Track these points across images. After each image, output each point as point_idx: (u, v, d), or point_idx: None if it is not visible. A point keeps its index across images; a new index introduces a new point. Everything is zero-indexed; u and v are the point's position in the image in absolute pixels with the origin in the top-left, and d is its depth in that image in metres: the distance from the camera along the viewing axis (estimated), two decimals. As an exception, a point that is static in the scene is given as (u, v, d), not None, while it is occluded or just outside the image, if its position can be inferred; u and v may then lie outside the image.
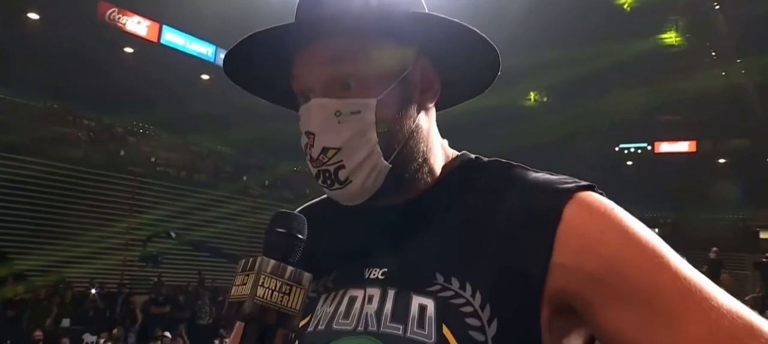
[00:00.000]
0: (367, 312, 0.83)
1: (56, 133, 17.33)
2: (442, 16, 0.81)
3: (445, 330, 0.76)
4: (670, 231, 27.84)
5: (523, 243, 0.77)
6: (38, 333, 10.32)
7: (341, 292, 0.87)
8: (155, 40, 18.42)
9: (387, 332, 0.80)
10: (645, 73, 22.88)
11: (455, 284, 0.78)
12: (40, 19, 17.14)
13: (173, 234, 13.34)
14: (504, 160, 0.90)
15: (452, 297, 0.77)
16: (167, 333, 11.23)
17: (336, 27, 0.81)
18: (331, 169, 0.82)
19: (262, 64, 0.90)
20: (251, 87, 0.98)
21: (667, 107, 25.81)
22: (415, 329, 0.78)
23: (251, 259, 0.77)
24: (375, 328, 0.81)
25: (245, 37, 0.87)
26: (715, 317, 0.69)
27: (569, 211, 0.76)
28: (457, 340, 0.75)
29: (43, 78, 17.16)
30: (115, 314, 12.68)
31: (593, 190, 0.80)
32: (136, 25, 17.88)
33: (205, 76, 21.00)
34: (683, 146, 29.31)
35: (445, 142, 0.94)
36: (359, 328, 0.82)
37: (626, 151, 30.98)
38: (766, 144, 25.02)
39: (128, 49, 19.08)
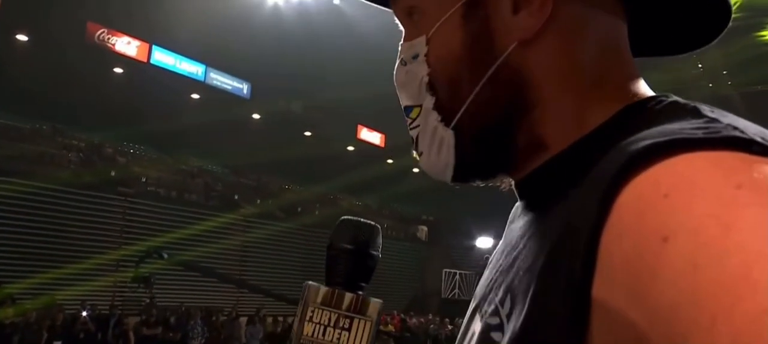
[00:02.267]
0: (460, 336, 0.63)
1: (46, 154, 17.24)
2: None
3: None
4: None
5: (561, 262, 0.43)
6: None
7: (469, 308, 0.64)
8: (145, 60, 18.39)
9: None
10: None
11: (506, 308, 0.51)
12: (29, 40, 17.09)
13: (165, 255, 13.26)
14: (685, 103, 0.49)
15: (495, 327, 0.51)
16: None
17: None
18: (414, 134, 0.61)
19: None
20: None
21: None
22: None
23: (304, 285, 0.60)
24: None
25: None
26: None
27: (628, 194, 0.39)
28: None
29: (32, 99, 17.09)
30: (107, 336, 12.54)
31: (741, 148, 0.38)
32: (126, 45, 17.85)
33: (195, 96, 20.97)
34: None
35: (633, 78, 0.56)
36: None
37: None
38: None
39: (118, 70, 19.04)
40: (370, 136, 24.00)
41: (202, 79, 20.01)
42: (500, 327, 0.50)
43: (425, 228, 27.98)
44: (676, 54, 0.63)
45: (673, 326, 0.32)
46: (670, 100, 0.50)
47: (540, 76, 0.54)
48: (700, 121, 0.42)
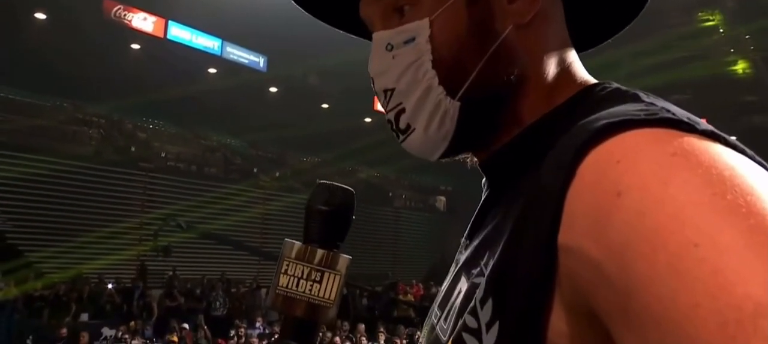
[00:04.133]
0: (442, 292, 0.70)
1: (67, 131, 17.47)
2: None
3: (455, 327, 0.59)
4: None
5: (531, 213, 0.52)
6: (63, 331, 10.48)
7: (451, 270, 0.72)
8: (161, 35, 18.46)
9: (432, 319, 0.69)
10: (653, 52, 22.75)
11: (488, 268, 0.58)
12: (47, 18, 17.23)
13: (183, 225, 13.49)
14: (626, 90, 0.60)
15: (479, 284, 0.58)
16: (186, 325, 11.38)
17: None
18: (393, 115, 0.68)
19: None
20: (326, 17, 0.81)
21: (675, 87, 25.65)
22: (443, 321, 0.65)
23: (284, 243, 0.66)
24: (433, 310, 0.70)
25: None
26: None
27: (591, 159, 0.47)
28: None
29: (51, 77, 17.27)
30: (132, 308, 12.85)
31: (679, 127, 0.47)
32: (142, 21, 17.92)
33: (212, 70, 21.06)
34: (693, 125, 29.17)
35: (580, 70, 0.67)
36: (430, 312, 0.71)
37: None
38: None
39: (135, 46, 19.15)
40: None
41: (219, 53, 20.07)
42: (479, 286, 0.57)
43: (443, 199, 28.02)
44: (592, 47, 0.76)
45: (625, 257, 0.41)
46: (613, 86, 0.62)
47: (528, 57, 0.64)
48: (641, 105, 0.53)
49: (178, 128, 22.14)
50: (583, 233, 0.45)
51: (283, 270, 0.64)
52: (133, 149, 18.53)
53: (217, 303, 13.96)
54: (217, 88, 20.55)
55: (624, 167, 0.45)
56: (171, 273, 14.91)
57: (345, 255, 0.65)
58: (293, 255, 0.64)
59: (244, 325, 12.32)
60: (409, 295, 16.93)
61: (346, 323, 12.93)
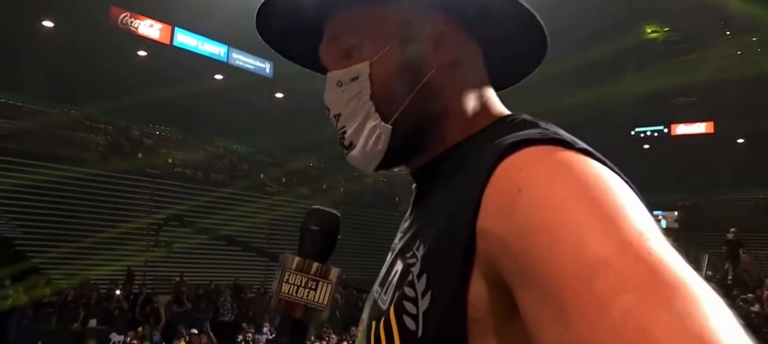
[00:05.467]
0: (381, 275, 0.86)
1: (74, 139, 17.57)
2: None
3: (394, 298, 0.74)
4: (689, 213, 27.65)
5: (458, 205, 0.68)
6: (91, 342, 10.31)
7: (387, 259, 0.89)
8: (168, 42, 18.56)
9: (374, 296, 0.84)
10: (659, 55, 22.70)
11: (420, 251, 0.73)
12: (54, 26, 17.34)
13: (182, 222, 13.52)
14: (533, 120, 0.78)
15: (412, 265, 0.73)
16: (194, 330, 11.40)
17: (331, 3, 0.84)
18: (340, 135, 0.85)
19: (296, 37, 0.93)
20: (291, 58, 1.00)
21: (682, 89, 25.57)
22: (383, 295, 0.79)
23: (282, 256, 0.81)
24: (374, 290, 0.85)
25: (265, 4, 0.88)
26: (616, 316, 0.48)
27: (501, 168, 0.65)
28: (395, 310, 0.72)
29: (58, 84, 17.39)
30: (136, 314, 12.87)
31: (565, 146, 0.66)
32: (149, 28, 18.03)
33: (218, 76, 21.14)
34: (700, 128, 29.01)
35: (497, 104, 0.86)
36: (372, 292, 0.86)
37: (642, 135, 30.75)
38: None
39: (142, 53, 19.25)
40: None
41: (225, 59, 20.15)
42: (414, 264, 0.73)
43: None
44: (513, 84, 0.95)
45: (523, 236, 0.58)
46: (521, 117, 0.80)
47: (448, 93, 0.82)
48: (539, 129, 0.72)
49: (184, 134, 22.22)
50: (494, 219, 0.63)
51: (285, 280, 0.79)
52: (139, 155, 18.60)
53: (225, 307, 13.98)
54: (223, 94, 20.62)
55: (524, 172, 0.63)
56: (178, 278, 14.94)
57: (335, 268, 0.81)
58: (293, 267, 0.79)
59: (252, 330, 12.33)
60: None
61: (353, 327, 12.93)
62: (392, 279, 0.78)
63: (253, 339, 11.82)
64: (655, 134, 30.50)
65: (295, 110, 22.57)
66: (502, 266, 0.61)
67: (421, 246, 0.73)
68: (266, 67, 21.20)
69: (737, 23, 20.59)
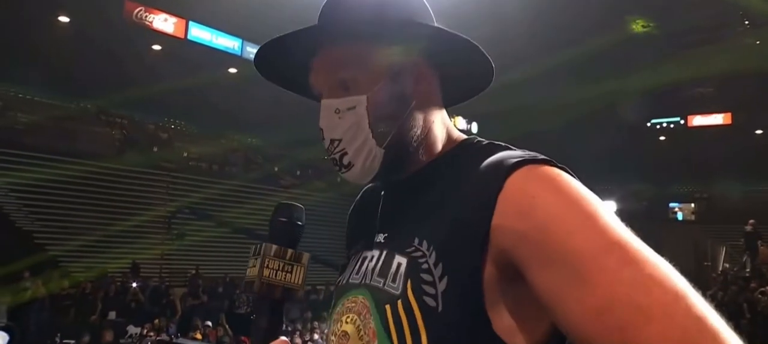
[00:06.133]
0: (367, 268, 0.98)
1: (90, 133, 17.73)
2: (430, 23, 1.00)
3: (408, 284, 0.88)
4: (706, 205, 27.39)
5: (472, 208, 0.85)
6: (108, 335, 10.47)
7: (361, 254, 1.04)
8: (182, 36, 18.60)
9: (372, 284, 0.95)
10: (675, 45, 22.43)
11: (424, 245, 0.89)
12: (70, 21, 17.47)
13: (194, 213, 13.61)
14: (497, 143, 0.98)
15: (420, 257, 0.89)
16: (208, 323, 11.49)
17: (333, 38, 0.96)
18: (337, 156, 0.98)
19: (287, 66, 1.05)
20: (282, 84, 1.14)
21: (699, 80, 25.25)
22: (390, 282, 0.91)
23: (258, 245, 0.93)
24: (368, 281, 0.96)
25: (265, 44, 1.01)
26: (628, 278, 0.71)
27: (511, 180, 0.83)
28: (413, 293, 0.87)
29: (74, 79, 17.52)
30: (156, 306, 12.99)
31: (550, 164, 0.86)
32: (163, 22, 18.08)
33: (232, 70, 21.20)
34: (718, 119, 28.64)
35: (454, 128, 1.06)
36: (363, 282, 0.98)
37: (658, 126, 30.44)
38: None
39: (156, 47, 19.34)
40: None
41: (239, 53, 20.19)
42: (424, 256, 0.88)
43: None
44: (459, 103, 1.12)
45: (545, 227, 0.78)
46: (484, 141, 1.00)
47: (425, 119, 0.99)
48: (520, 151, 0.91)
49: (199, 128, 22.34)
50: (512, 218, 0.81)
51: (265, 265, 0.91)
52: (155, 149, 18.73)
53: (241, 299, 14.04)
54: (237, 87, 20.68)
55: (533, 183, 0.82)
56: (194, 271, 15.05)
57: (306, 253, 0.94)
58: (272, 254, 0.91)
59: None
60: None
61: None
62: (398, 271, 0.91)
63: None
64: (672, 125, 30.18)
65: (309, 103, 22.56)
66: (518, 254, 0.80)
67: (425, 242, 0.89)
68: (280, 60, 21.22)
69: (756, 13, 20.31)
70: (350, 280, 1.02)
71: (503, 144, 0.97)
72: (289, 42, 0.98)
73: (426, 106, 0.99)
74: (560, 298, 0.76)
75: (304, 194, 19.48)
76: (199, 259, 15.92)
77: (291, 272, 0.92)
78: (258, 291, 0.90)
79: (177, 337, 10.79)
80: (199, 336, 10.99)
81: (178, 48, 18.71)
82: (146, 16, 17.67)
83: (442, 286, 0.85)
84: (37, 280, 11.42)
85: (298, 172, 22.47)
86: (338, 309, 1.01)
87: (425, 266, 0.87)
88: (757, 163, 24.02)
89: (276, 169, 21.70)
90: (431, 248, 0.88)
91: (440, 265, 0.86)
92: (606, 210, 0.80)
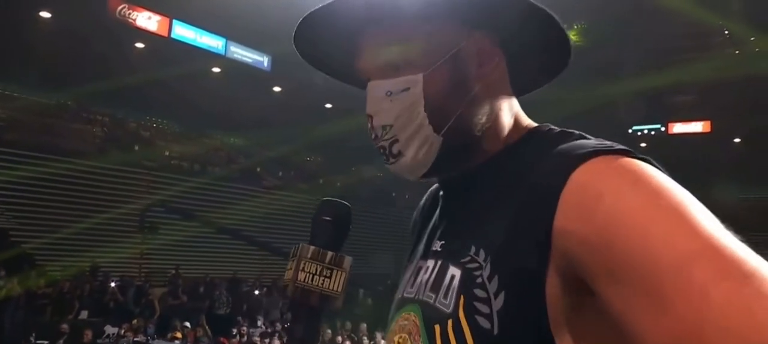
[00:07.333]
0: (421, 281, 0.88)
1: (71, 130, 17.52)
2: None
3: (461, 301, 0.77)
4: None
5: (532, 209, 0.73)
6: (64, 326, 10.51)
7: (417, 264, 0.94)
8: (166, 34, 18.45)
9: (423, 300, 0.85)
10: (657, 54, 22.69)
11: (481, 255, 0.78)
12: (52, 17, 17.26)
13: (167, 207, 13.55)
14: (570, 131, 0.85)
15: (475, 268, 0.77)
16: (187, 324, 11.40)
17: (383, 14, 0.85)
18: (387, 144, 0.86)
19: (329, 47, 0.94)
20: (323, 67, 1.01)
21: (679, 88, 25.57)
22: (441, 298, 0.81)
23: (296, 246, 0.83)
24: (421, 296, 0.86)
25: (306, 16, 0.89)
26: (722, 296, 0.55)
27: (577, 174, 0.70)
28: (465, 311, 0.76)
29: (56, 76, 17.31)
30: (131, 305, 12.86)
31: (627, 155, 0.72)
32: (147, 20, 17.92)
33: (216, 69, 21.08)
34: (697, 126, 29.00)
35: (525, 116, 0.92)
36: (417, 296, 0.87)
37: (639, 133, 30.74)
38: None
39: (139, 45, 19.17)
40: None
41: (223, 52, 20.07)
42: (480, 268, 0.77)
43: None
44: (528, 92, 0.98)
45: (606, 233, 0.65)
46: (555, 129, 0.87)
47: (490, 107, 0.87)
48: (593, 140, 0.78)
49: (181, 127, 22.17)
50: (574, 219, 0.68)
51: (300, 268, 0.81)
52: (136, 147, 18.55)
53: (221, 300, 13.96)
54: (221, 87, 20.57)
55: (601, 179, 0.69)
56: (174, 271, 14.92)
57: (348, 257, 0.84)
58: (309, 255, 0.82)
59: (246, 324, 12.33)
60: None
61: (347, 322, 12.94)
62: (451, 284, 0.80)
63: (248, 333, 11.82)
64: (653, 132, 30.50)
65: (293, 104, 22.52)
66: (583, 263, 0.67)
67: (482, 251, 0.78)
68: (264, 60, 21.13)
69: (736, 25, 20.63)
70: (405, 294, 0.91)
71: (577, 132, 0.84)
72: (331, 18, 0.87)
73: (492, 89, 0.87)
74: (632, 322, 0.61)
75: (286, 195, 19.42)
76: (180, 259, 15.78)
77: (330, 277, 0.82)
78: (292, 296, 0.81)
79: (154, 338, 10.69)
80: (179, 335, 10.90)
81: (161, 46, 18.57)
82: (130, 14, 17.52)
83: (497, 304, 0.73)
84: (13, 279, 11.26)
85: (281, 173, 22.38)
86: (392, 326, 0.91)
87: (480, 280, 0.76)
88: (736, 171, 24.36)
89: (258, 169, 21.60)
90: (487, 258, 0.77)
91: (496, 279, 0.74)
92: (697, 208, 0.64)
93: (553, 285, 0.70)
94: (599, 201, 0.67)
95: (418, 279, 0.89)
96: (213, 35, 19.59)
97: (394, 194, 25.78)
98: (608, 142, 0.76)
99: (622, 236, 0.63)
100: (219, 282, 14.85)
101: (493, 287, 0.74)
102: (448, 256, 0.84)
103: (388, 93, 0.84)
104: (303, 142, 23.12)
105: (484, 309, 0.74)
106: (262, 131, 21.81)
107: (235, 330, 11.82)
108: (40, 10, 16.97)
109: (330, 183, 22.33)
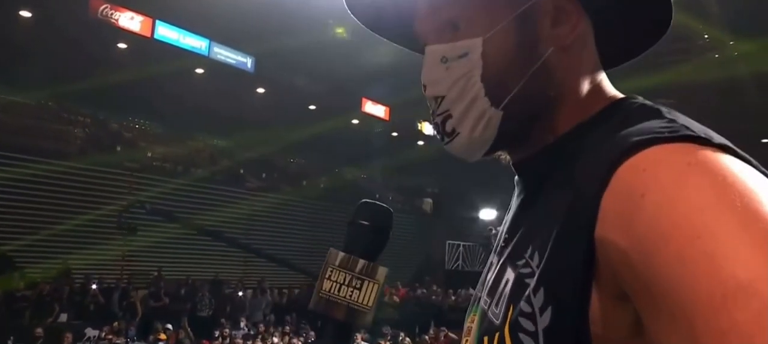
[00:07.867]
0: (486, 281, 0.79)
1: (52, 131, 17.32)
2: None
3: (509, 313, 0.67)
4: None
5: (576, 210, 0.61)
6: (39, 331, 10.38)
7: (490, 258, 0.83)
8: (149, 35, 18.30)
9: (481, 305, 0.77)
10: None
11: (535, 260, 0.66)
12: (32, 16, 17.07)
13: (147, 207, 13.49)
14: (655, 107, 0.69)
15: (527, 274, 0.66)
16: (169, 326, 11.33)
17: None
18: (440, 120, 0.75)
19: (387, 8, 0.83)
20: (382, 32, 0.87)
21: (659, 92, 25.86)
22: (493, 306, 0.72)
23: (328, 250, 0.74)
24: (482, 300, 0.77)
25: None
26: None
27: (623, 169, 0.57)
28: (510, 326, 0.66)
29: (37, 76, 17.12)
30: (115, 308, 12.76)
31: (695, 142, 0.57)
32: (129, 20, 17.77)
33: (199, 70, 20.97)
34: (677, 130, 29.38)
35: (610, 86, 0.77)
36: (480, 298, 0.79)
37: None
38: (763, 125, 25.12)
39: (122, 45, 19.01)
40: (375, 109, 24.00)
41: (206, 53, 19.97)
42: (532, 275, 0.65)
43: (430, 201, 28.04)
44: (619, 64, 0.84)
45: (645, 246, 0.52)
46: (639, 102, 0.71)
47: (565, 76, 0.73)
48: (664, 121, 0.62)
49: (164, 128, 22.01)
50: (614, 227, 0.55)
51: (327, 276, 0.72)
52: (118, 149, 18.40)
53: (203, 302, 13.90)
54: (204, 88, 20.46)
55: (647, 175, 0.55)
56: (156, 273, 14.82)
57: (383, 267, 0.74)
58: (337, 263, 0.72)
59: (229, 326, 12.28)
60: (394, 297, 16.95)
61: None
62: (504, 290, 0.70)
63: (231, 335, 11.78)
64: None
65: (276, 106, 22.46)
66: (624, 279, 0.55)
67: (536, 255, 0.66)
68: (247, 61, 21.05)
69: (715, 27, 20.91)
70: (478, 292, 0.81)
71: (665, 109, 0.67)
72: None
73: (569, 55, 0.73)
74: None
75: (270, 197, 19.37)
76: (162, 261, 15.68)
77: (360, 289, 0.71)
78: (315, 307, 0.71)
79: (136, 341, 10.62)
80: (161, 337, 10.84)
81: (144, 47, 18.43)
82: (112, 14, 17.36)
83: (543, 321, 0.61)
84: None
85: (264, 175, 22.31)
86: (465, 326, 0.82)
87: (528, 291, 0.64)
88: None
89: (241, 170, 21.51)
90: (539, 264, 0.65)
91: (542, 292, 0.63)
92: (756, 207, 0.49)
93: (599, 305, 0.58)
94: (640, 203, 0.53)
95: (485, 278, 0.80)
96: (196, 36, 19.47)
97: (377, 195, 25.81)
98: (678, 126, 0.61)
99: (660, 249, 0.50)
100: (201, 284, 14.78)
101: (538, 301, 0.62)
102: (508, 255, 0.74)
103: (443, 59, 0.74)
104: (286, 143, 23.08)
105: (529, 326, 0.63)
106: (246, 132, 21.73)
107: (217, 333, 11.78)
108: (20, 10, 16.77)
109: (313, 185, 22.29)
